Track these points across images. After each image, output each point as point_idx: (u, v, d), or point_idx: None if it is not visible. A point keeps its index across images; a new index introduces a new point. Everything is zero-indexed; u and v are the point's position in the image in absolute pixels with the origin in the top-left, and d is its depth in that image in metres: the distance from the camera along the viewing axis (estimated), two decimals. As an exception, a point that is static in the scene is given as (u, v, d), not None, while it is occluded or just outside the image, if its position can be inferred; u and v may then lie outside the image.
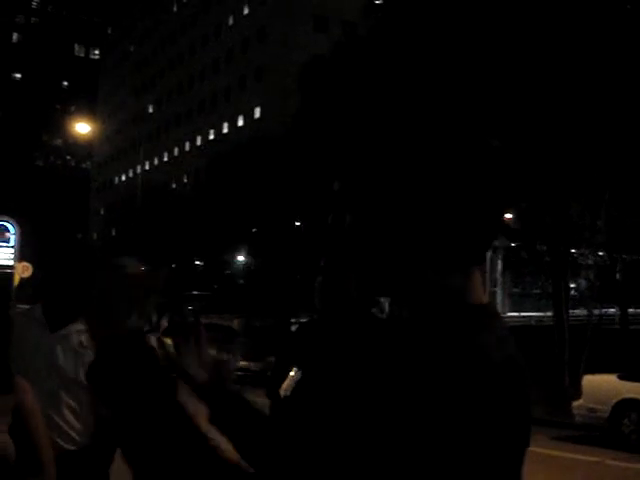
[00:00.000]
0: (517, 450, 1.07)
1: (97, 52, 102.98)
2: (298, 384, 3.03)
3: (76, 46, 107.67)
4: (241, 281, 39.83)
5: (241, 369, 19.52)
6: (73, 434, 3.03)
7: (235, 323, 27.17)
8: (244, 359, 20.24)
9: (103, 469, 3.15)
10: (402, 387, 0.98)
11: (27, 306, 4.18)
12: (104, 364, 1.09)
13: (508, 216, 21.37)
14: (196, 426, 1.12)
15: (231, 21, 61.38)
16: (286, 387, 3.16)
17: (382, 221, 1.08)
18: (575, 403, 12.60)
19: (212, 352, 1.26)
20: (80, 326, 3.12)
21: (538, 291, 35.94)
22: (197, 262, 43.59)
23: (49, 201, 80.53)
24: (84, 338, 3.10)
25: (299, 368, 3.12)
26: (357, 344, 1.13)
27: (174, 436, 1.05)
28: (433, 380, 0.98)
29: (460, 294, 1.08)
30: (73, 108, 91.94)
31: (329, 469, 0.96)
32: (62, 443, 2.95)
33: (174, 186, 61.85)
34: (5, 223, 20.69)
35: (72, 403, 3.04)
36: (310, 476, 0.97)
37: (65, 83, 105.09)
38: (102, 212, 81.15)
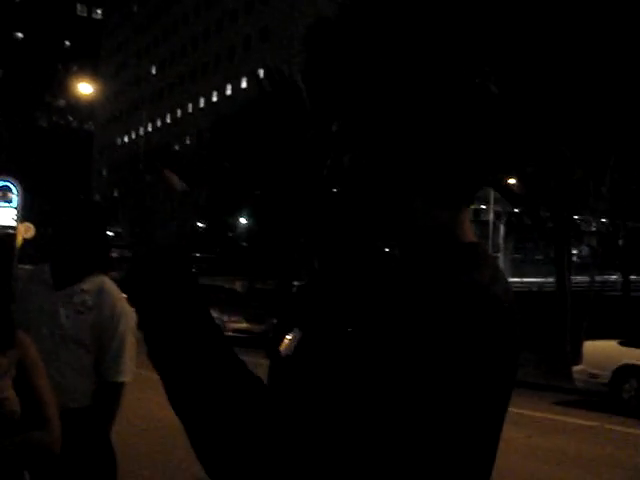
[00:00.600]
0: (507, 389, 1.07)
1: (100, 12, 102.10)
2: (300, 343, 3.04)
3: (78, 5, 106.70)
4: (244, 244, 39.88)
5: (244, 331, 19.60)
6: (74, 393, 3.04)
7: (238, 285, 27.32)
8: (246, 321, 20.32)
9: (104, 429, 3.18)
10: (401, 331, 0.97)
11: (29, 266, 4.21)
12: (140, 276, 1.06)
13: (512, 181, 21.32)
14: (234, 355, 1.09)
15: (235, -19, 60.75)
16: (287, 346, 3.17)
17: (379, 153, 1.11)
18: (576, 368, 12.66)
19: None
20: (85, 285, 3.13)
21: (540, 257, 36.02)
22: (200, 224, 43.59)
23: (52, 162, 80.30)
24: (88, 298, 3.11)
25: (300, 329, 3.12)
26: (355, 298, 1.12)
27: (207, 353, 1.04)
28: (434, 319, 0.97)
29: (450, 231, 1.11)
30: (75, 68, 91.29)
31: (333, 425, 0.96)
32: (63, 401, 2.96)
33: (177, 147, 61.70)
34: (7, 183, 20.63)
35: (73, 362, 3.05)
36: (315, 436, 0.97)
37: (67, 43, 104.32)
38: (104, 173, 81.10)
